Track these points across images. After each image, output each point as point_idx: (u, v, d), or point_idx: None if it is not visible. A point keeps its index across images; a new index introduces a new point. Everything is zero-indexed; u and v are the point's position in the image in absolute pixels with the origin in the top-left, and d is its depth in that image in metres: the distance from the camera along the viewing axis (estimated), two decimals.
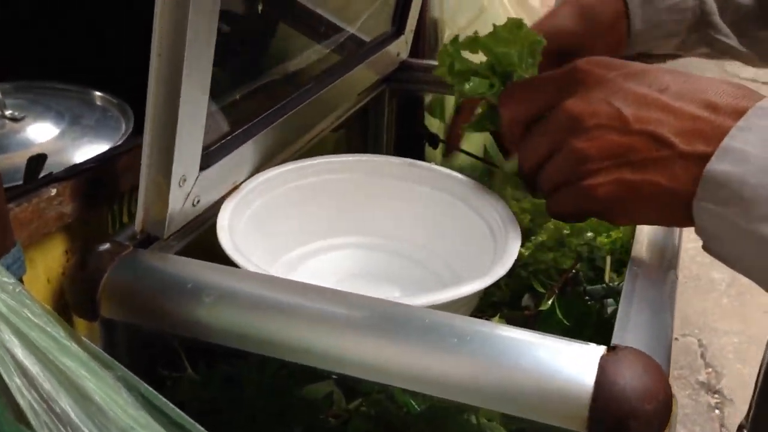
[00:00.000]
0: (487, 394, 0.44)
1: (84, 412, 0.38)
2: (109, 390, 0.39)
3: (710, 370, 2.32)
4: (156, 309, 0.50)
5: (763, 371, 0.78)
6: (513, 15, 1.03)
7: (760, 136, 0.46)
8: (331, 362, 0.47)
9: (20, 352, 0.38)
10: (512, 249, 0.56)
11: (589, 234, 0.78)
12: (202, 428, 0.40)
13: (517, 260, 0.56)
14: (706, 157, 0.47)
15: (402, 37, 0.91)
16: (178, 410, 0.41)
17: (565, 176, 0.52)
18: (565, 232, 0.77)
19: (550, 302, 0.58)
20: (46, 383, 0.38)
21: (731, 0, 0.75)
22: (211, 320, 0.49)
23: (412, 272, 0.65)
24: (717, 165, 0.47)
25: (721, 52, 0.78)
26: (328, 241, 0.66)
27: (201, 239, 0.59)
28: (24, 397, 0.37)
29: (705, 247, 0.49)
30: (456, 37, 0.61)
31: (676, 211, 0.50)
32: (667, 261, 0.57)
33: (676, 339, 2.24)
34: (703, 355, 2.38)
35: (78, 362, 0.39)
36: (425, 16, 0.98)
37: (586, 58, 0.55)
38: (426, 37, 1.02)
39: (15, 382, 0.37)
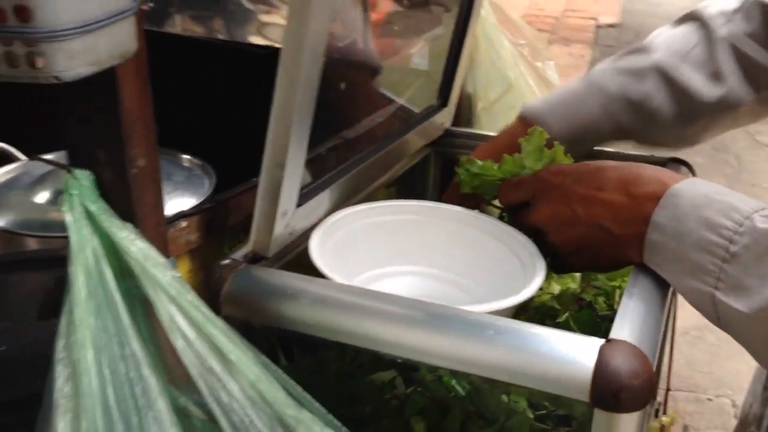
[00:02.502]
0: (515, 371, 0.59)
1: (224, 367, 0.53)
2: (240, 353, 0.54)
3: None
4: (264, 308, 0.66)
5: None
6: (536, 92, 1.20)
7: (672, 212, 0.67)
8: (399, 349, 0.62)
9: (182, 323, 0.53)
10: (539, 276, 0.72)
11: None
12: (299, 388, 0.55)
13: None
14: (636, 236, 0.69)
15: (446, 109, 1.09)
16: (284, 375, 0.56)
17: (558, 250, 0.76)
18: None
19: (565, 315, 0.73)
20: (200, 346, 0.53)
21: (655, 116, 0.91)
22: (306, 317, 0.65)
23: (457, 296, 0.81)
24: (650, 235, 0.68)
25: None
26: (391, 268, 0.82)
27: (290, 261, 0.76)
28: (187, 356, 0.53)
29: None
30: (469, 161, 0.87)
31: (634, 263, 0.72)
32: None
33: (710, 400, 2.29)
34: (736, 416, 2.45)
35: (220, 332, 0.53)
36: (462, 91, 1.15)
37: (545, 169, 0.79)
38: (461, 108, 1.19)
39: (179, 343, 0.52)
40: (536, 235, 0.78)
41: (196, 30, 2.16)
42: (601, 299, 0.90)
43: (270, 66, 0.65)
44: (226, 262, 0.69)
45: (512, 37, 1.22)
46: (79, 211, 0.49)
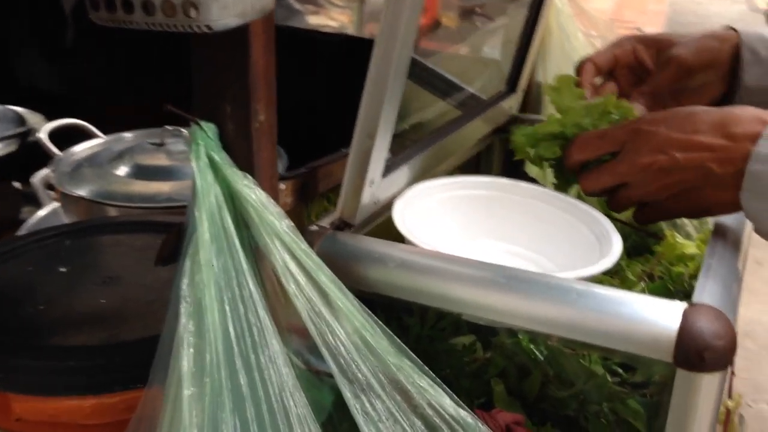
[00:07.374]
0: (600, 333, 0.61)
1: (330, 312, 0.56)
2: (346, 301, 0.57)
3: None
4: (351, 272, 0.69)
5: None
6: None
7: None
8: (482, 310, 0.65)
9: (294, 269, 0.56)
10: (616, 250, 0.74)
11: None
12: (398, 339, 0.58)
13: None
14: (735, 174, 0.70)
15: (514, 95, 1.11)
16: (384, 326, 0.59)
17: (646, 200, 0.77)
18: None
19: (641, 286, 0.75)
20: (310, 291, 0.56)
21: None
22: (392, 280, 0.68)
23: (532, 269, 0.83)
24: (752, 167, 0.69)
25: None
26: (467, 240, 0.85)
27: (373, 232, 0.79)
28: (298, 299, 0.56)
29: (756, 230, 0.71)
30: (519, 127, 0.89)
31: (726, 207, 0.74)
32: (737, 246, 0.76)
33: (749, 406, 2.28)
34: None
35: (329, 280, 0.57)
36: (531, 79, 1.18)
37: (638, 119, 0.79)
38: (531, 95, 1.22)
39: (291, 287, 0.56)
40: (619, 188, 0.78)
41: None
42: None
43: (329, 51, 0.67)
44: (315, 228, 0.72)
45: (584, 28, 1.25)
46: (204, 160, 0.53)
